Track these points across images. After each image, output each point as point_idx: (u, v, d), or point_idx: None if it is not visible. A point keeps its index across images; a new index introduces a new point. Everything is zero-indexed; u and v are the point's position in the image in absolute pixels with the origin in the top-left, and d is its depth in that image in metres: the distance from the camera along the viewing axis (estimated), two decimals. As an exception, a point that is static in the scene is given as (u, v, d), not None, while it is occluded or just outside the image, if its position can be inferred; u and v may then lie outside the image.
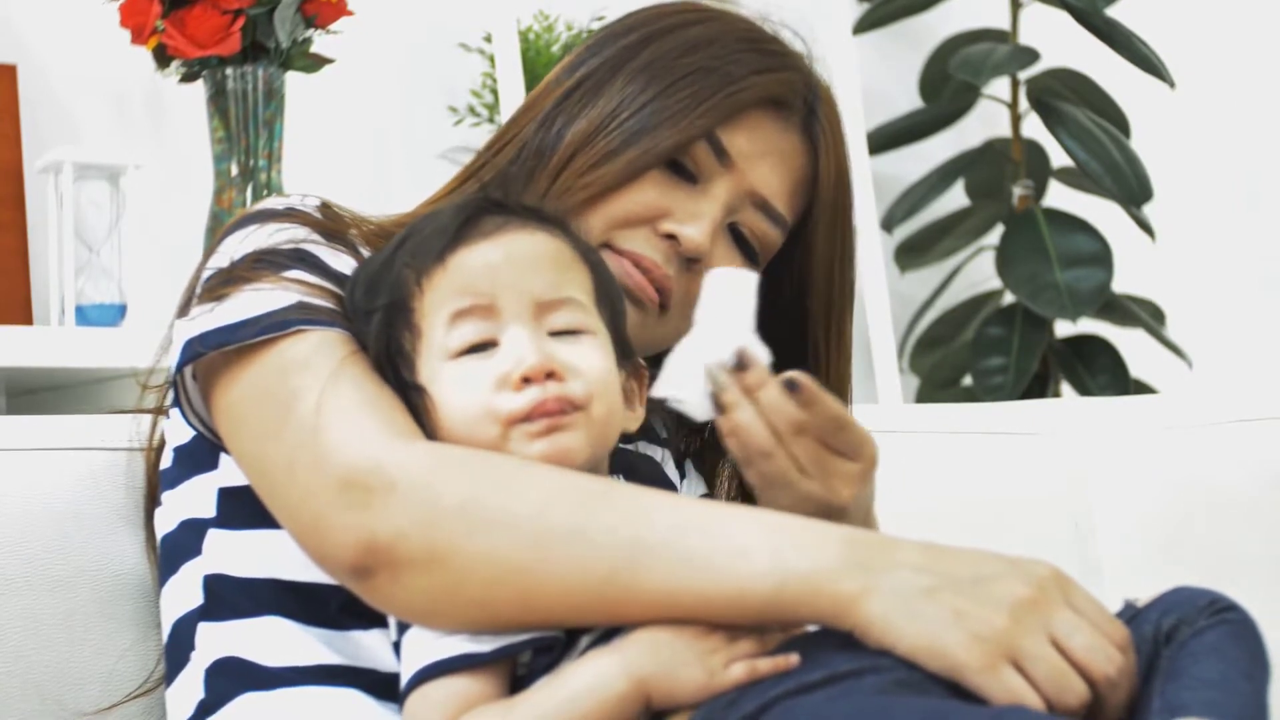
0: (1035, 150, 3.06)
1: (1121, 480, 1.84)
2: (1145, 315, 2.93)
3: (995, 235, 2.97)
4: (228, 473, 1.18)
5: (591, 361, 1.12)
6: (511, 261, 1.12)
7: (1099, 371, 2.92)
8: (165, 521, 1.23)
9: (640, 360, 1.21)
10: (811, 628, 1.05)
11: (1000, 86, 3.06)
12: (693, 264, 1.26)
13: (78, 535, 1.29)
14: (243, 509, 1.16)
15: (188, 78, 2.20)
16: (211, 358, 1.15)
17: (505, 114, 2.41)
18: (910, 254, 3.06)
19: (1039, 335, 2.89)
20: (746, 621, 1.03)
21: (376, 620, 1.13)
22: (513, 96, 2.38)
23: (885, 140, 3.03)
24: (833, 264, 1.33)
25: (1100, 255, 2.82)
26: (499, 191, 1.24)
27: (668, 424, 1.36)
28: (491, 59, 2.55)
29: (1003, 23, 3.05)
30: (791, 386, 1.10)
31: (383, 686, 1.13)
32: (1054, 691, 0.98)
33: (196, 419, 1.20)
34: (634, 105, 1.26)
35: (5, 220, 2.23)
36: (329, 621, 1.14)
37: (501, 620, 1.05)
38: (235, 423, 1.15)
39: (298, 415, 1.10)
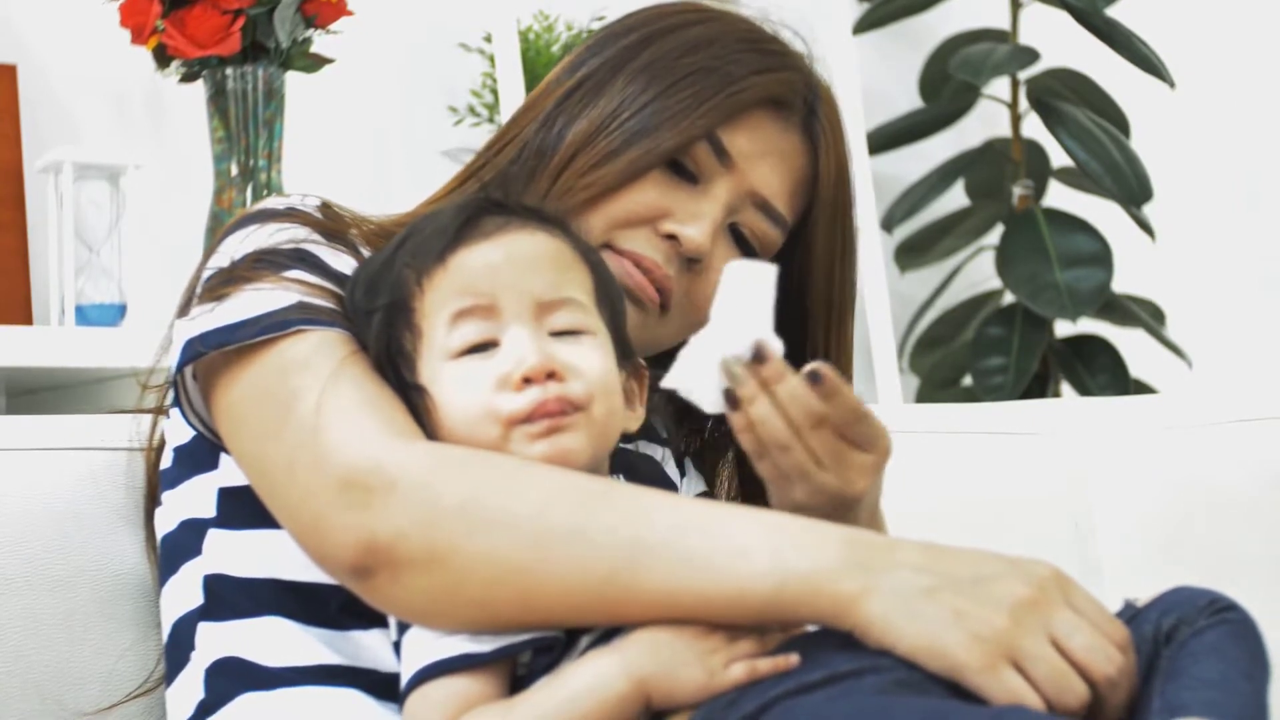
0: (1035, 150, 3.06)
1: (1121, 480, 1.84)
2: (1145, 315, 2.93)
3: (995, 235, 2.97)
4: (228, 473, 1.18)
5: (592, 362, 1.12)
6: (512, 262, 1.12)
7: (1099, 371, 2.92)
8: (165, 521, 1.23)
9: (640, 360, 1.21)
10: (811, 628, 1.05)
11: (1000, 86, 3.06)
12: (693, 264, 1.26)
13: (78, 535, 1.29)
14: (243, 509, 1.16)
15: (188, 78, 2.20)
16: (212, 357, 1.15)
17: (505, 114, 2.41)
18: (910, 254, 3.06)
19: (1039, 335, 2.89)
20: (746, 621, 1.03)
21: (376, 620, 1.13)
22: (513, 96, 2.38)
23: (885, 140, 3.03)
24: (833, 264, 1.33)
25: (1100, 255, 2.82)
26: (499, 191, 1.24)
27: (668, 423, 1.36)
28: (491, 59, 2.55)
29: (1003, 23, 3.05)
30: (814, 378, 1.10)
31: (383, 686, 1.13)
32: (1054, 691, 0.98)
33: (197, 419, 1.20)
34: (635, 105, 1.26)
35: (5, 220, 2.23)
36: (329, 621, 1.14)
37: (501, 620, 1.05)
38: (235, 422, 1.15)
39: (298, 415, 1.10)
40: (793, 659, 1.01)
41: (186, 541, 1.20)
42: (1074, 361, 2.94)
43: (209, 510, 1.19)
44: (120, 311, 2.16)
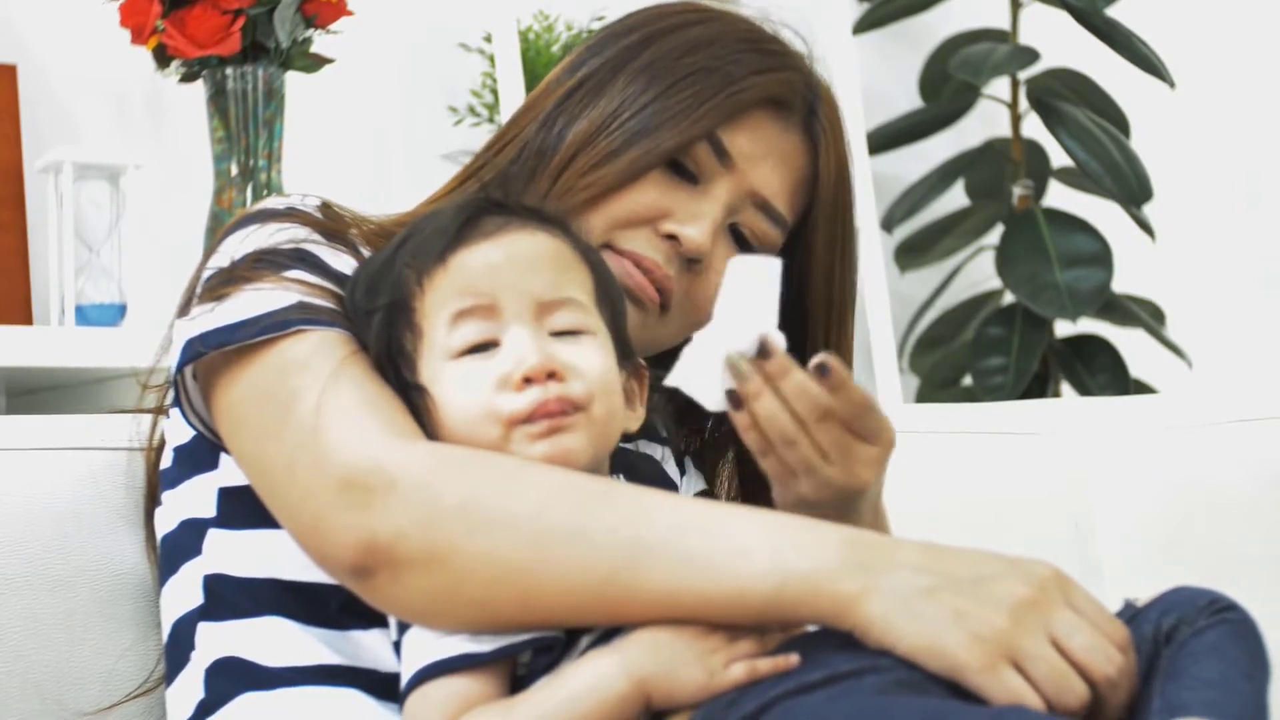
0: (1035, 150, 3.06)
1: (1121, 480, 1.84)
2: (1145, 315, 2.93)
3: (995, 235, 2.97)
4: (228, 472, 1.18)
5: (592, 362, 1.12)
6: (512, 262, 1.12)
7: (1099, 371, 2.92)
8: (165, 521, 1.23)
9: (641, 360, 1.21)
10: (811, 628, 1.05)
11: (1000, 86, 3.06)
12: (693, 264, 1.26)
13: (78, 535, 1.29)
14: (243, 509, 1.16)
15: (188, 78, 2.20)
16: (212, 357, 1.15)
17: (505, 114, 2.41)
18: (910, 254, 3.06)
19: (1039, 335, 2.89)
20: (746, 621, 1.03)
21: (377, 620, 1.13)
22: (513, 96, 2.38)
23: (885, 140, 3.03)
24: (833, 264, 1.33)
25: (1100, 255, 2.82)
26: (500, 191, 1.24)
27: (668, 423, 1.36)
28: (491, 59, 2.55)
29: (1003, 23, 3.05)
30: (822, 370, 1.09)
31: (383, 686, 1.13)
32: (1054, 692, 0.98)
33: (197, 419, 1.20)
34: (635, 105, 1.26)
35: (5, 220, 2.23)
36: (329, 621, 1.14)
37: (501, 620, 1.05)
38: (235, 422, 1.15)
39: (298, 415, 1.10)
40: (793, 659, 1.01)
41: (186, 541, 1.20)
42: (1074, 361, 2.94)
43: (209, 510, 1.19)
44: (120, 311, 2.16)
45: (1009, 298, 2.98)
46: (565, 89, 1.29)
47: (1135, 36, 2.82)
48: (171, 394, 1.21)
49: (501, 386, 1.09)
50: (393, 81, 2.69)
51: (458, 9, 2.70)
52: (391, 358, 1.13)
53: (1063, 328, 2.99)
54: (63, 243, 2.13)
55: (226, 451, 1.17)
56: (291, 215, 1.21)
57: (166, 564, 1.22)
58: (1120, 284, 2.85)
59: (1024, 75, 3.00)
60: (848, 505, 1.14)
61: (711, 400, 1.11)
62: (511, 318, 1.11)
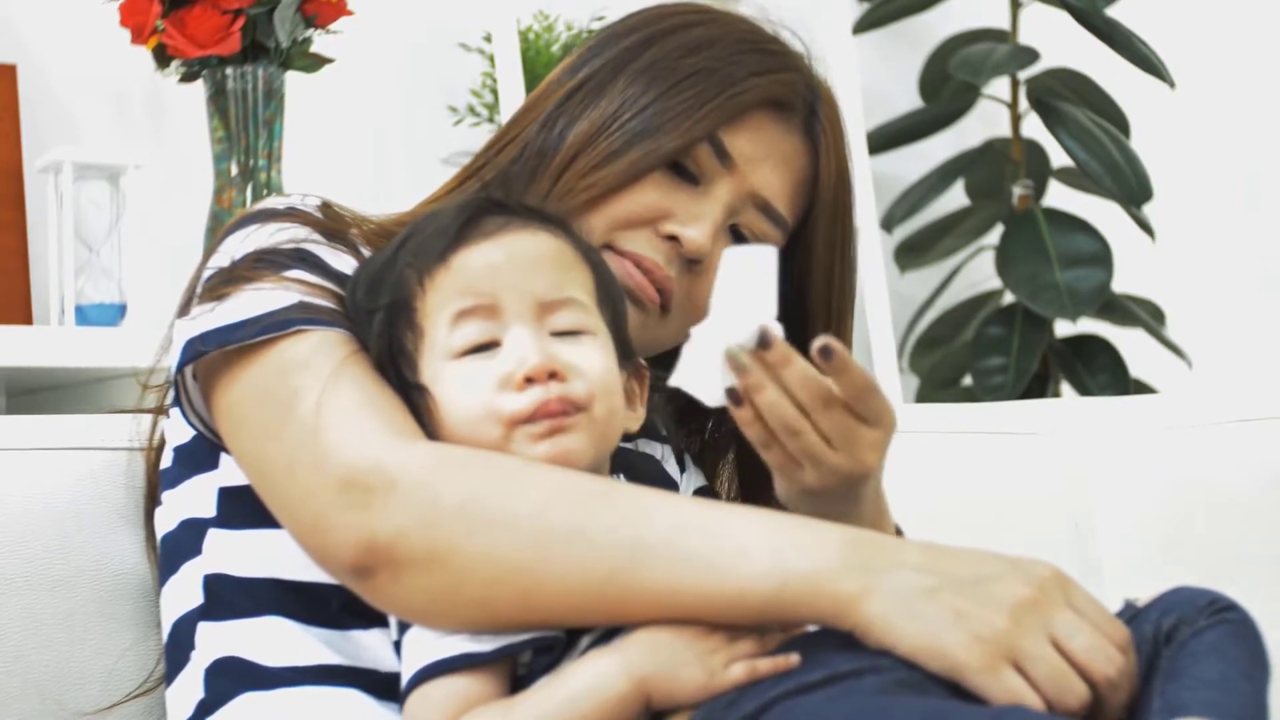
0: (1035, 150, 3.06)
1: (1121, 480, 1.84)
2: (1145, 315, 2.93)
3: (995, 235, 2.97)
4: (228, 472, 1.18)
5: (593, 362, 1.12)
6: (513, 262, 1.12)
7: (1099, 371, 2.92)
8: (165, 521, 1.23)
9: (641, 360, 1.21)
10: (811, 628, 1.05)
11: (1000, 86, 3.06)
12: (694, 265, 1.26)
13: (78, 535, 1.29)
14: (243, 509, 1.16)
15: (188, 77, 2.20)
16: (212, 357, 1.15)
17: (505, 114, 2.41)
18: (910, 254, 3.06)
19: (1039, 335, 2.89)
20: (747, 621, 1.03)
21: (377, 620, 1.13)
22: (513, 96, 2.38)
23: (885, 140, 3.03)
24: (833, 264, 1.33)
25: (1100, 255, 2.82)
26: (500, 191, 1.24)
27: (668, 423, 1.36)
28: (491, 59, 2.55)
29: (1003, 23, 3.05)
30: (825, 353, 1.08)
31: (383, 686, 1.13)
32: (1054, 692, 0.98)
33: (197, 419, 1.20)
34: (636, 107, 1.26)
35: (5, 220, 2.23)
36: (329, 621, 1.14)
37: (502, 620, 1.05)
38: (235, 422, 1.15)
39: (298, 415, 1.10)
40: (793, 659, 1.01)
41: (186, 541, 1.20)
42: (1074, 361, 2.94)
43: (209, 510, 1.19)
44: (120, 311, 2.16)
45: (1009, 298, 2.98)
46: (566, 89, 1.29)
47: (1135, 36, 2.82)
48: (172, 394, 1.21)
49: (503, 386, 1.09)
50: (393, 81, 2.69)
51: (458, 9, 2.70)
52: (392, 357, 1.13)
53: (1063, 328, 2.99)
54: (63, 242, 2.13)
55: (226, 451, 1.17)
56: (292, 215, 1.21)
57: (166, 564, 1.22)
58: (1120, 284, 2.85)
59: (1024, 75, 3.00)
60: (851, 492, 1.14)
61: (711, 396, 1.10)
62: (513, 318, 1.11)
